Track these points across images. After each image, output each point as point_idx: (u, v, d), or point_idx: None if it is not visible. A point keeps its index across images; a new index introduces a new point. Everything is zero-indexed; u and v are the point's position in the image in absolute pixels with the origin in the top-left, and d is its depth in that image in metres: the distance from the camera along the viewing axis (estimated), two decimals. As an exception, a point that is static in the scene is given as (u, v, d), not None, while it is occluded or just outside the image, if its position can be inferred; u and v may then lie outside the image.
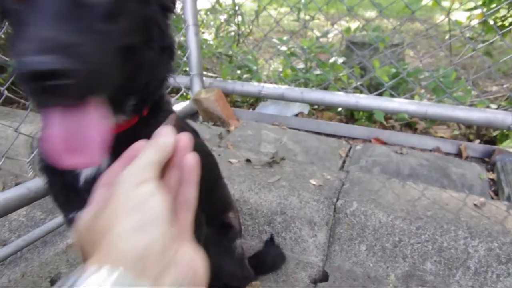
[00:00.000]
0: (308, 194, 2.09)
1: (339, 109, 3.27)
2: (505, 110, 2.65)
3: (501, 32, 2.61)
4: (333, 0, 3.09)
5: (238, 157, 2.43)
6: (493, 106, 2.90)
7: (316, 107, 3.39)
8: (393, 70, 3.09)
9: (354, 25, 4.58)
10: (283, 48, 3.31)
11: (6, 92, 1.97)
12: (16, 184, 2.94)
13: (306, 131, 3.01)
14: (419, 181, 2.29)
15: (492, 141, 2.93)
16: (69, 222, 1.26)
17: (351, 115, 3.25)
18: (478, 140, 2.94)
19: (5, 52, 3.04)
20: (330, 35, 4.36)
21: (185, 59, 3.03)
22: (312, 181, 2.18)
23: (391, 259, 1.96)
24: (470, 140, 2.95)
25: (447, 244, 1.83)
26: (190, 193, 0.68)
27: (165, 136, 0.70)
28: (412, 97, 2.86)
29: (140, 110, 1.05)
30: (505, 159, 2.52)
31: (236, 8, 3.53)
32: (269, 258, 2.07)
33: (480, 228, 1.81)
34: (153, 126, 1.11)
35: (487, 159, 2.69)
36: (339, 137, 2.99)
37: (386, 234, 1.94)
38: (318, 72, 3.16)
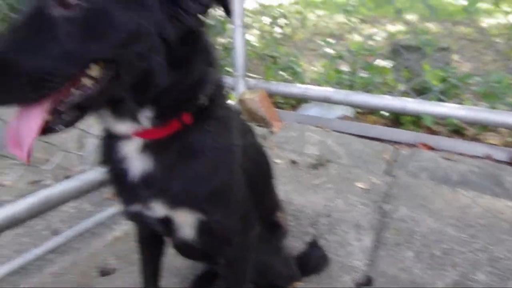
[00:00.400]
0: (355, 197, 2.08)
1: (383, 112, 3.22)
2: None
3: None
4: (381, 2, 3.05)
5: (283, 158, 2.45)
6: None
7: (359, 110, 3.35)
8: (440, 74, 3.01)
9: (392, 27, 4.49)
10: (329, 50, 3.30)
11: None
12: (66, 177, 3.10)
13: (350, 134, 2.98)
14: (470, 189, 2.22)
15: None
16: (126, 214, 1.33)
17: (395, 119, 3.19)
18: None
19: None
20: (375, 38, 4.29)
21: (229, 60, 3.09)
22: (359, 184, 2.16)
23: (440, 267, 1.91)
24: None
25: (501, 255, 1.76)
26: None
27: None
28: (460, 102, 2.78)
29: (167, 120, 1.06)
30: None
31: (281, 10, 3.56)
32: (313, 260, 2.07)
33: (538, 239, 1.74)
34: (199, 134, 1.14)
35: (543, 169, 2.57)
36: (384, 141, 2.94)
37: (435, 241, 1.90)
38: (363, 74, 3.13)
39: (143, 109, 1.02)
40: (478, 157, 2.72)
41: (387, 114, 3.27)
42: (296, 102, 3.67)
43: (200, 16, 1.05)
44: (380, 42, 4.00)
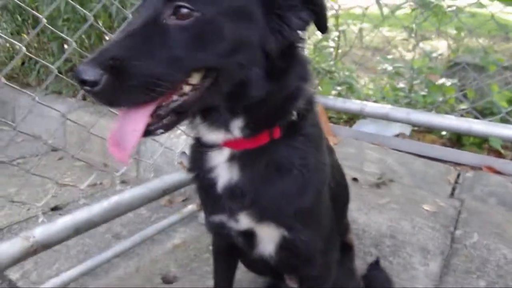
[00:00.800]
0: (422, 220, 2.01)
1: (443, 132, 3.12)
2: None
3: None
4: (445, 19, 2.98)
5: (343, 174, 2.41)
6: None
7: (416, 128, 3.26)
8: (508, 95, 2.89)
9: (437, 43, 4.33)
10: (387, 66, 3.25)
11: (56, 71, 1.92)
12: (122, 182, 3.19)
13: (408, 152, 2.90)
14: (545, 218, 2.09)
15: None
16: (210, 225, 1.34)
17: (456, 139, 3.08)
18: None
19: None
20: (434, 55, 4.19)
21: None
22: (425, 207, 2.09)
23: (516, 300, 1.81)
24: None
25: None
26: None
27: None
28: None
29: (257, 132, 1.07)
30: None
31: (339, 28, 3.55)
32: (375, 282, 2.01)
33: None
34: (288, 150, 1.14)
35: None
36: (444, 161, 2.84)
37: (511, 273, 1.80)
38: (423, 93, 3.05)
39: (236, 118, 1.04)
40: (550, 184, 2.57)
41: (444, 133, 3.17)
42: (348, 117, 3.62)
43: (300, 32, 1.07)
44: (437, 59, 3.89)
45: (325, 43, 3.59)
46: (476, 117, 2.85)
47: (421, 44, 3.12)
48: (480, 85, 3.04)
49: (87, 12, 1.89)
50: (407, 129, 3.16)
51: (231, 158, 1.15)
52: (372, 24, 3.20)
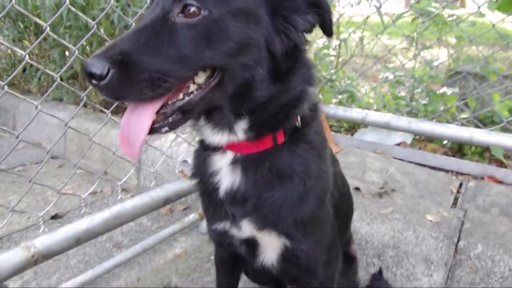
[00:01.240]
0: (425, 230, 1.99)
1: (444, 141, 3.12)
2: None
3: None
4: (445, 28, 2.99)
5: (345, 184, 2.40)
6: None
7: (418, 137, 3.26)
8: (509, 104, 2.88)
9: (438, 51, 4.35)
10: (388, 75, 3.25)
11: (59, 79, 1.91)
12: (123, 190, 3.17)
13: (410, 162, 2.90)
14: (549, 228, 2.08)
15: None
16: (212, 234, 1.33)
17: (458, 148, 3.07)
18: None
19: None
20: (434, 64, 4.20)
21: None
22: (428, 217, 2.08)
23: (521, 312, 1.79)
24: None
25: None
26: None
27: None
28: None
29: (260, 135, 1.07)
30: None
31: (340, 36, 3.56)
32: (379, 293, 2.00)
33: None
34: (291, 157, 1.13)
35: None
36: (446, 171, 2.84)
37: (517, 284, 1.78)
38: (424, 101, 3.05)
39: (240, 120, 1.04)
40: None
41: (446, 142, 3.16)
42: (349, 126, 3.62)
43: (305, 34, 1.07)
44: (438, 67, 3.90)
45: (325, 51, 3.59)
46: (477, 126, 2.85)
47: (421, 53, 3.13)
48: (480, 94, 3.05)
49: (90, 20, 1.89)
50: (408, 138, 3.16)
51: (234, 162, 1.14)
52: (373, 33, 3.20)
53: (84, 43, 3.47)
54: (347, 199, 1.52)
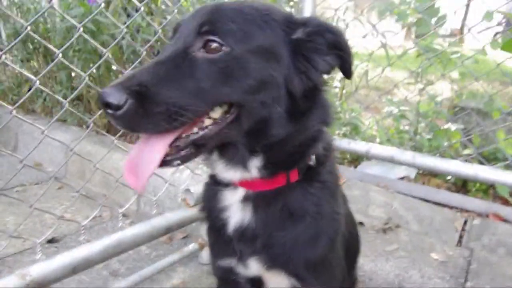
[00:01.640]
0: (431, 270, 1.95)
1: (449, 177, 3.10)
2: None
3: None
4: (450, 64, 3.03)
5: (349, 217, 2.36)
6: None
7: (421, 171, 3.24)
8: None
9: (441, 86, 4.36)
10: (393, 109, 3.27)
11: (67, 105, 1.92)
12: (123, 215, 3.12)
13: (413, 196, 2.87)
14: (557, 272, 2.03)
15: None
16: (216, 269, 1.29)
17: (462, 184, 3.05)
18: None
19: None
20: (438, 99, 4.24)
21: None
22: (434, 255, 2.04)
23: None
24: None
25: None
26: None
27: None
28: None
29: (274, 173, 1.05)
30: None
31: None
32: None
33: None
34: (303, 196, 1.11)
35: None
36: (450, 207, 2.80)
37: (526, 330, 1.73)
38: (427, 136, 3.05)
39: (254, 157, 1.03)
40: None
41: (450, 177, 3.14)
42: (352, 158, 3.61)
43: (324, 76, 1.07)
44: (442, 103, 3.93)
45: (330, 82, 3.62)
46: (481, 163, 2.83)
47: (426, 88, 3.15)
48: (484, 131, 3.05)
49: (101, 48, 1.90)
50: (412, 172, 3.14)
51: (245, 199, 1.12)
52: (378, 65, 3.24)
53: (91, 66, 3.50)
54: (355, 238, 1.50)
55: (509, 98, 6.62)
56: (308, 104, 1.02)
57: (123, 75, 0.89)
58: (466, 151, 3.13)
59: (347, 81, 3.76)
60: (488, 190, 2.92)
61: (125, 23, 3.29)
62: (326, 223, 1.12)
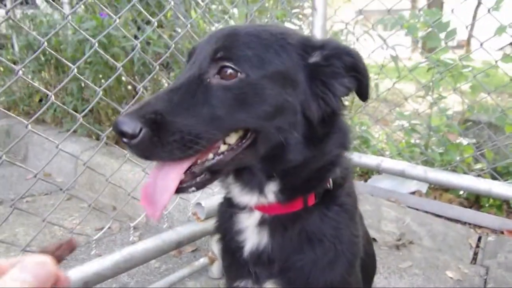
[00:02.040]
0: (446, 289, 1.91)
1: (461, 191, 3.06)
2: None
3: None
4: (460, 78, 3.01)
5: (360, 233, 2.33)
6: None
7: (432, 186, 3.20)
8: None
9: (452, 100, 4.35)
10: (404, 123, 3.24)
11: (81, 119, 1.94)
12: (134, 228, 3.11)
13: (426, 211, 2.83)
14: None
15: None
16: (229, 290, 1.27)
17: (475, 200, 3.01)
18: None
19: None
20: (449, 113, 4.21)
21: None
22: (449, 273, 2.00)
23: None
24: None
25: None
26: None
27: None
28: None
29: (291, 198, 1.03)
30: None
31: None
32: None
33: None
34: (321, 220, 1.09)
35: None
36: (464, 223, 2.76)
37: None
38: (439, 150, 3.02)
39: (271, 182, 1.01)
40: None
41: (461, 192, 3.10)
42: (362, 171, 3.58)
43: (342, 99, 1.05)
44: (453, 116, 3.90)
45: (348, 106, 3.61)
46: (494, 178, 2.79)
47: (437, 102, 3.13)
48: (496, 145, 3.02)
49: (114, 62, 1.91)
50: (423, 187, 3.11)
51: (261, 223, 1.11)
52: (386, 77, 3.22)
53: (101, 77, 3.52)
54: (372, 259, 1.47)
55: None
56: (326, 129, 1.00)
57: (138, 103, 0.88)
58: (478, 166, 3.09)
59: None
60: (502, 205, 2.87)
61: (135, 35, 3.33)
62: (345, 247, 1.10)
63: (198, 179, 0.91)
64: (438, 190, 3.18)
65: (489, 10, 2.63)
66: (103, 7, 2.66)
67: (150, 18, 2.28)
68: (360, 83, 1.00)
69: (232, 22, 3.25)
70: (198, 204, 2.15)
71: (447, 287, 1.91)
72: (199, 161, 0.91)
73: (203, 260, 2.32)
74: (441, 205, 2.84)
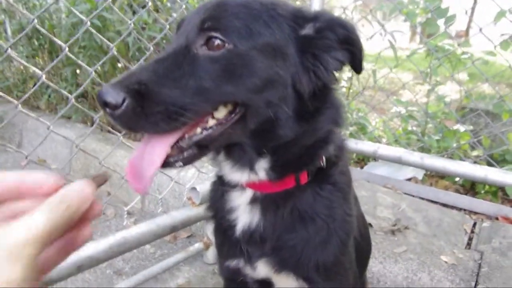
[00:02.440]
0: (441, 273, 1.91)
1: (457, 178, 3.06)
2: None
3: None
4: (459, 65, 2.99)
5: (356, 218, 2.33)
6: None
7: (428, 173, 3.20)
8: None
9: (450, 87, 4.35)
10: (401, 109, 3.23)
11: (73, 100, 1.85)
12: (127, 213, 3.10)
13: (421, 198, 2.83)
14: None
15: None
16: (223, 270, 1.26)
17: (470, 186, 3.01)
18: None
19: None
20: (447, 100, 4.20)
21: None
22: (443, 258, 2.00)
23: None
24: None
25: None
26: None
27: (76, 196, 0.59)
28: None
29: (283, 175, 1.01)
30: None
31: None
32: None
33: None
34: (313, 198, 1.07)
35: None
36: (459, 209, 2.76)
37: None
38: (437, 137, 3.01)
39: (262, 159, 0.99)
40: None
41: (458, 179, 3.10)
42: (358, 158, 3.57)
43: (335, 73, 1.02)
44: (450, 104, 3.89)
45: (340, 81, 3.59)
46: (490, 164, 2.79)
47: (435, 89, 3.12)
48: (493, 132, 3.01)
49: (108, 43, 1.88)
50: (419, 173, 3.10)
51: (253, 201, 1.09)
52: (384, 66, 3.20)
53: (96, 62, 3.48)
54: (367, 241, 1.46)
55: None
56: (317, 104, 0.97)
57: (124, 73, 0.86)
58: (475, 153, 3.09)
59: (354, 80, 3.73)
60: (497, 192, 2.88)
61: (131, 20, 3.28)
62: (338, 225, 1.08)
63: (185, 153, 0.88)
64: (434, 177, 3.18)
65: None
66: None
67: (146, 0, 2.23)
68: (353, 56, 0.97)
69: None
70: (193, 189, 2.14)
71: (441, 271, 1.91)
72: (186, 136, 0.88)
73: (198, 245, 2.31)
74: (437, 192, 2.84)
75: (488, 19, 2.70)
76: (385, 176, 3.03)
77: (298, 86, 0.94)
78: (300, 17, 0.96)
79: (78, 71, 3.76)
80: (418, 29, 3.39)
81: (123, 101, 0.78)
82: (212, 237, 2.23)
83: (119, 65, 3.56)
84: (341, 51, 0.96)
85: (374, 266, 2.02)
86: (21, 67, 4.45)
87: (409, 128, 3.34)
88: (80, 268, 1.62)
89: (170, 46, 0.94)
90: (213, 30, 0.87)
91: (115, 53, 1.97)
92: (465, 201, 2.76)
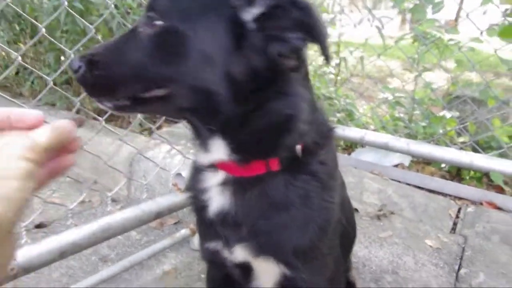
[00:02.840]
0: (425, 256, 1.93)
1: (443, 164, 3.08)
2: None
3: None
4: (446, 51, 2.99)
5: (343, 204, 2.34)
6: None
7: (415, 159, 3.22)
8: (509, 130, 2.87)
9: (436, 74, 4.37)
10: (388, 96, 3.23)
11: (52, 83, 1.79)
12: (112, 201, 3.06)
13: (408, 184, 2.85)
14: (550, 259, 2.03)
15: None
16: (204, 252, 1.25)
17: (456, 172, 3.04)
18: None
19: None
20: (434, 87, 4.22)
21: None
22: (428, 242, 2.02)
23: None
24: None
25: None
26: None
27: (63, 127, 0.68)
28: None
29: (247, 159, 0.98)
30: None
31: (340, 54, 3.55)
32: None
33: None
34: (285, 186, 1.04)
35: None
36: (445, 195, 2.79)
37: (519, 317, 1.72)
38: (423, 124, 3.02)
39: (215, 138, 0.97)
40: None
41: (444, 165, 3.13)
42: (346, 145, 3.58)
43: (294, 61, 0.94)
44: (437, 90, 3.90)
45: (325, 69, 3.58)
46: (475, 150, 2.82)
47: (422, 75, 3.12)
48: (479, 119, 3.03)
49: (88, 24, 1.83)
50: (406, 160, 3.12)
51: (225, 183, 1.07)
52: (371, 53, 3.19)
53: (81, 48, 3.41)
54: (352, 226, 1.46)
55: (502, 89, 6.67)
56: (271, 88, 0.90)
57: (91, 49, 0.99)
58: (461, 139, 3.11)
59: (342, 67, 3.72)
60: (482, 178, 2.91)
61: (115, 5, 3.21)
62: (316, 213, 1.06)
63: (117, 102, 0.97)
64: (421, 163, 3.21)
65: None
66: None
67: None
68: (312, 41, 0.84)
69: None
70: (179, 174, 2.12)
71: (426, 254, 1.93)
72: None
73: (184, 232, 2.30)
74: (423, 178, 2.86)
75: (477, 7, 2.70)
76: (372, 162, 3.04)
77: (231, 67, 0.87)
78: None
79: (62, 58, 3.68)
80: (408, 16, 3.38)
81: (79, 68, 0.92)
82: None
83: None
84: (295, 34, 0.83)
85: (360, 251, 2.03)
86: (3, 53, 4.34)
87: (396, 115, 3.35)
88: (63, 254, 1.59)
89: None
90: (151, 9, 0.92)
91: (99, 37, 1.92)
92: (451, 186, 2.79)
